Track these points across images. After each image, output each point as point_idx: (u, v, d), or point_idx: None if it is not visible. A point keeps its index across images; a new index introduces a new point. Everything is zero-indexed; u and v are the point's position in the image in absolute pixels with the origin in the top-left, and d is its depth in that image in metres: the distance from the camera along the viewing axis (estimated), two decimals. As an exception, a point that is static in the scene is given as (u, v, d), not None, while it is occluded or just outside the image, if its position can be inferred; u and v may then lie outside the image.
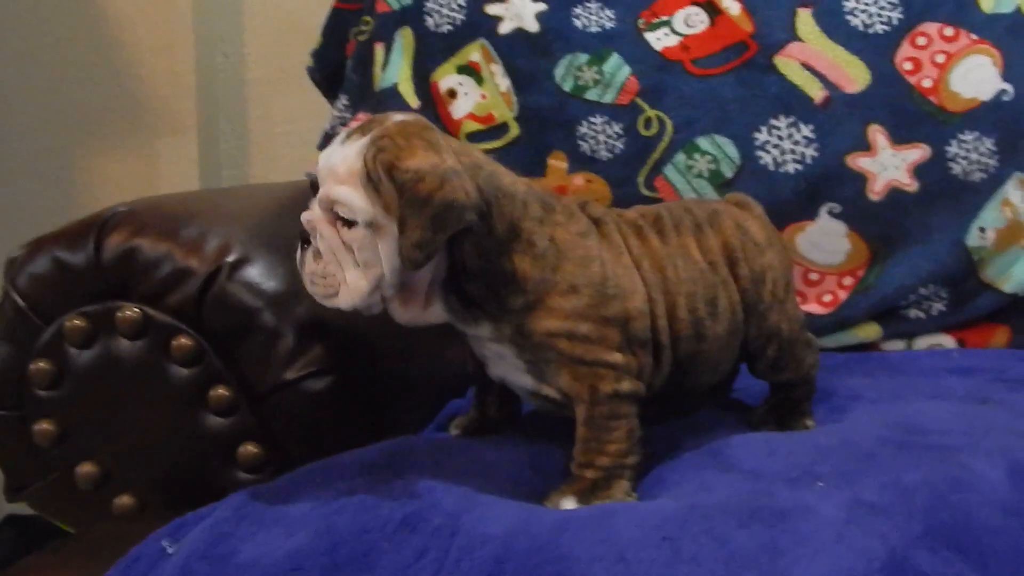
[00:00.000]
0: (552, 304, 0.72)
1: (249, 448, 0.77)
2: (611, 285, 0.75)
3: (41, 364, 0.78)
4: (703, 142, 1.24)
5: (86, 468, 0.80)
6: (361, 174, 0.68)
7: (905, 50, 1.23)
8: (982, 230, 1.19)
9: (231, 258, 0.77)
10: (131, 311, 0.77)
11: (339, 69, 1.49)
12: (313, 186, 0.72)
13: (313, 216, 0.70)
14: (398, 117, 0.72)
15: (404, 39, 1.39)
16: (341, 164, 0.69)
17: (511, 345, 0.73)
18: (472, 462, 0.77)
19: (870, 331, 1.21)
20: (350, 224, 0.69)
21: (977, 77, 1.20)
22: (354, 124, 0.73)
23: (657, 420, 0.88)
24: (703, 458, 0.77)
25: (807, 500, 0.63)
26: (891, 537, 0.56)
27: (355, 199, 0.68)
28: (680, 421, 0.89)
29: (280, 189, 1.08)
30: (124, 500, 0.80)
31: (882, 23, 1.25)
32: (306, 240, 0.70)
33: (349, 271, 0.69)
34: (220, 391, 0.77)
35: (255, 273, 0.77)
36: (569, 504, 0.71)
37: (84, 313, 0.78)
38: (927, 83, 1.21)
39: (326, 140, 1.46)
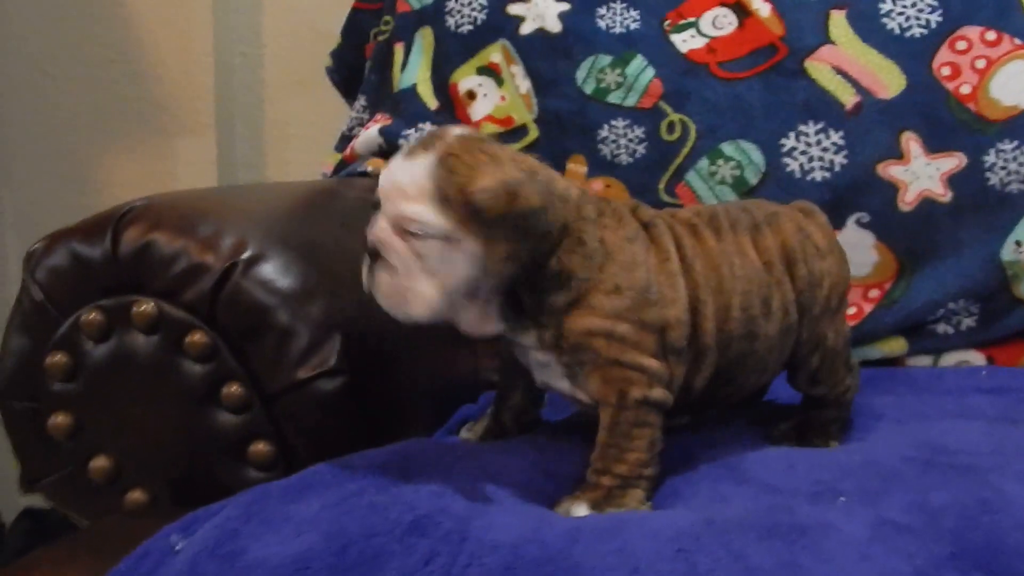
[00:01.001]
0: (594, 302, 0.72)
1: (260, 446, 0.77)
2: (653, 291, 0.75)
3: (58, 357, 0.78)
4: (728, 148, 1.22)
5: (99, 462, 0.80)
6: (432, 193, 0.69)
7: (944, 55, 1.20)
8: (1018, 244, 1.15)
9: (246, 255, 0.76)
10: (146, 306, 0.76)
11: (358, 70, 1.49)
12: (375, 203, 0.73)
13: (382, 232, 0.71)
14: (457, 131, 0.73)
15: (424, 39, 1.38)
16: (409, 183, 0.70)
17: (552, 351, 0.74)
18: (483, 466, 0.76)
19: (895, 346, 1.18)
20: (418, 236, 0.70)
21: (1019, 84, 1.17)
22: (412, 139, 0.74)
23: (702, 411, 0.88)
24: (719, 470, 0.76)
25: (829, 517, 0.61)
26: (918, 557, 0.54)
27: (428, 216, 0.69)
28: (696, 433, 0.87)
29: (296, 188, 1.08)
30: (136, 495, 0.80)
31: (920, 26, 1.21)
32: (374, 255, 0.71)
33: (420, 281, 0.70)
34: (233, 388, 0.76)
35: (270, 270, 0.77)
36: (581, 511, 0.70)
37: (100, 307, 0.78)
38: (966, 89, 1.18)
39: (343, 142, 1.46)
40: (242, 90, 1.81)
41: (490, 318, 0.74)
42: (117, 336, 0.78)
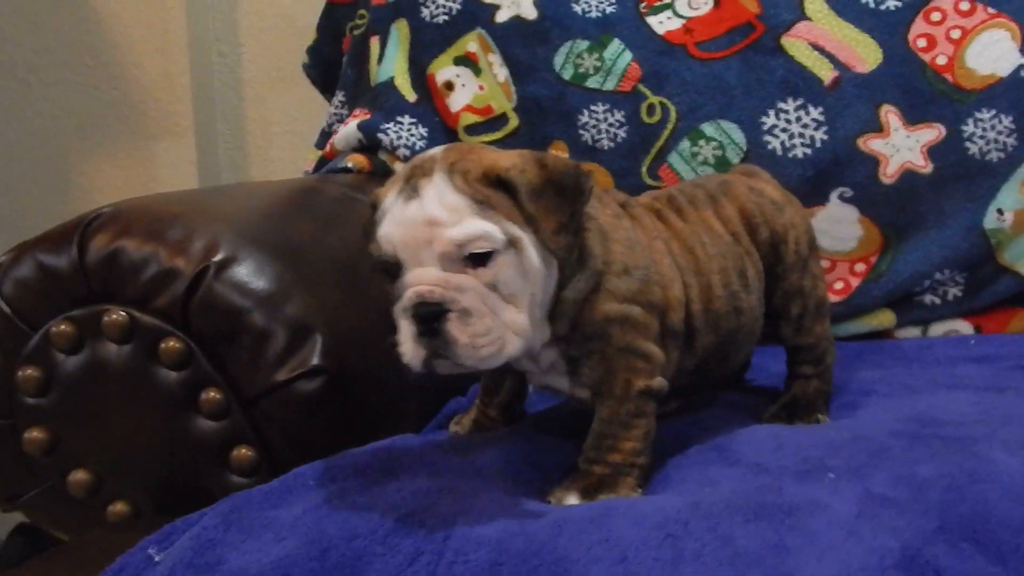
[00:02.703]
0: (609, 286, 0.70)
1: (242, 451, 0.75)
2: (653, 271, 0.73)
3: (29, 371, 0.77)
4: (708, 128, 1.21)
5: (78, 476, 0.78)
6: (470, 206, 0.64)
7: (919, 26, 1.19)
8: (1000, 212, 1.15)
9: (218, 257, 0.75)
10: (117, 315, 0.75)
11: (335, 65, 1.47)
12: (388, 268, 0.65)
13: (439, 280, 0.63)
14: (434, 150, 0.68)
15: (400, 31, 1.37)
16: (441, 211, 0.63)
17: (562, 343, 0.71)
18: (470, 461, 0.75)
19: (884, 319, 1.18)
20: (485, 260, 0.63)
21: (994, 53, 1.16)
22: (394, 188, 0.67)
23: (694, 392, 0.87)
24: (708, 453, 0.75)
25: (816, 495, 0.61)
26: (905, 532, 0.54)
27: (485, 226, 0.63)
28: (686, 417, 0.86)
29: (273, 187, 1.06)
30: (118, 507, 0.79)
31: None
32: (430, 318, 0.63)
33: (504, 313, 0.64)
34: (211, 394, 0.75)
35: (243, 272, 0.75)
36: (572, 500, 0.69)
37: (70, 318, 0.76)
38: (942, 60, 1.18)
39: (324, 138, 1.44)
40: (222, 90, 1.79)
41: (546, 324, 0.70)
42: (89, 347, 0.76)
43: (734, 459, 0.73)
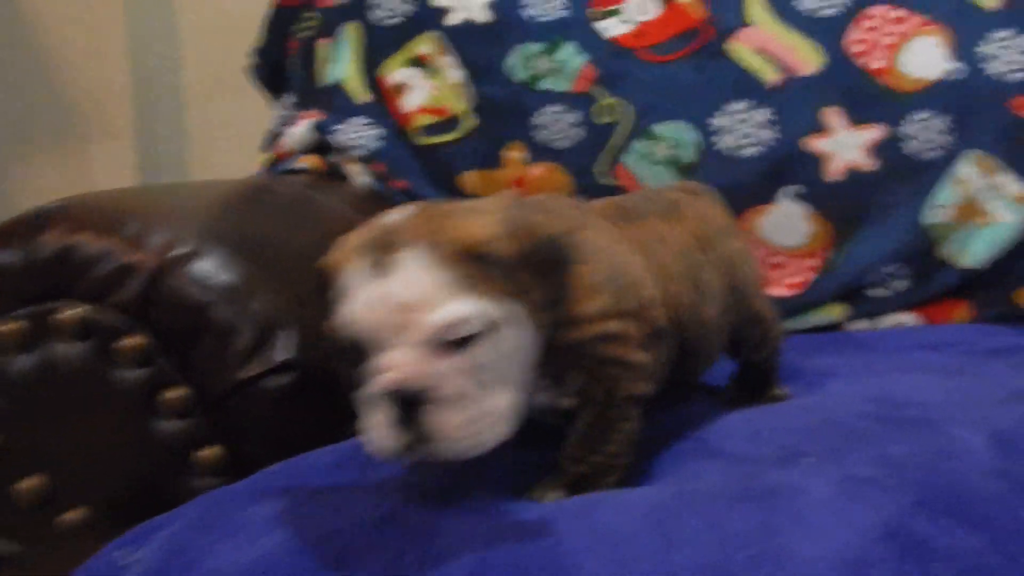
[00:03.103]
0: (577, 314, 0.65)
1: (207, 452, 0.73)
2: (622, 274, 0.69)
3: (-27, 374, 0.73)
4: (661, 128, 1.23)
5: (28, 483, 0.74)
6: (447, 281, 0.57)
7: (853, 33, 1.23)
8: (939, 207, 1.19)
9: (179, 252, 0.72)
10: (71, 311, 0.71)
11: (281, 67, 1.45)
12: (351, 352, 0.59)
13: (417, 367, 0.56)
14: (400, 213, 0.62)
15: (350, 33, 1.35)
16: (422, 291, 0.57)
17: (539, 366, 0.66)
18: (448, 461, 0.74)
19: (837, 311, 1.21)
20: (466, 344, 0.57)
21: (926, 58, 1.21)
22: (356, 259, 0.59)
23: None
24: (686, 445, 0.75)
25: (796, 479, 0.61)
26: (886, 509, 0.54)
27: (467, 308, 0.57)
28: (658, 408, 0.86)
29: (225, 184, 1.03)
30: (71, 515, 0.75)
31: (831, 6, 1.25)
32: (410, 402, 0.57)
33: (487, 399, 0.58)
34: (173, 393, 0.72)
35: (207, 266, 0.73)
36: (555, 496, 0.68)
37: (19, 316, 0.72)
38: (877, 64, 1.22)
39: (272, 139, 1.41)
40: (162, 93, 1.75)
41: (536, 390, 0.66)
42: (41, 346, 0.73)
43: (712, 451, 0.73)
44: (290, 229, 0.88)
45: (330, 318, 0.60)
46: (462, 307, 0.57)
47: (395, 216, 0.61)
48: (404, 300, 0.56)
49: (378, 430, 0.57)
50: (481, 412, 0.57)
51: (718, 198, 0.91)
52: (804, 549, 0.50)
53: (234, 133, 1.75)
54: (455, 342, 0.57)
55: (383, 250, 0.58)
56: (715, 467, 0.68)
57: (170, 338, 0.72)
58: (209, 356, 0.72)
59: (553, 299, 0.61)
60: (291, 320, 0.75)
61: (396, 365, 0.56)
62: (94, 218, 0.74)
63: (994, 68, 1.20)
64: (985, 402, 0.79)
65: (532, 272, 0.60)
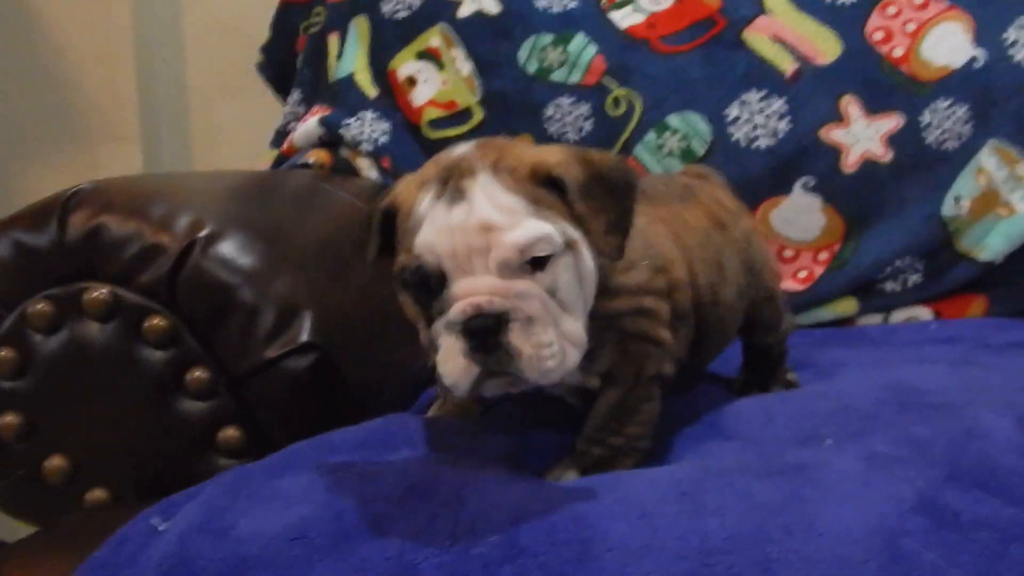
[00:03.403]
0: (615, 285, 0.67)
1: (230, 432, 0.73)
2: (656, 255, 0.71)
3: (3, 353, 0.73)
4: (673, 120, 1.23)
5: (55, 462, 0.75)
6: (523, 204, 0.58)
7: (875, 20, 1.23)
8: (957, 200, 1.19)
9: (204, 233, 0.73)
10: (99, 292, 0.72)
11: (289, 65, 1.46)
12: (423, 283, 0.59)
13: (498, 288, 0.57)
14: (464, 146, 0.63)
15: (359, 28, 1.36)
16: (494, 214, 0.57)
17: None
18: (465, 441, 0.74)
19: (847, 306, 1.21)
20: (543, 264, 0.58)
21: (948, 45, 1.21)
22: (426, 191, 0.60)
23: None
24: (701, 429, 0.75)
25: (820, 456, 0.61)
26: (918, 480, 0.55)
27: (545, 227, 0.58)
28: (670, 398, 0.86)
29: (240, 174, 1.04)
30: (96, 494, 0.75)
31: (853, -8, 1.25)
32: (489, 331, 0.56)
33: (563, 322, 0.59)
34: (197, 373, 0.72)
35: (231, 248, 0.73)
36: (571, 477, 0.68)
37: (48, 296, 0.73)
38: (898, 52, 1.22)
39: (279, 138, 1.42)
40: (167, 97, 1.76)
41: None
42: (68, 327, 0.73)
43: (729, 434, 0.73)
44: (302, 216, 0.89)
45: (397, 254, 0.60)
46: (539, 226, 0.58)
47: (459, 149, 0.62)
48: (483, 221, 0.57)
49: (455, 361, 0.57)
50: (559, 334, 0.58)
51: (723, 180, 0.92)
52: (836, 518, 0.51)
53: (239, 135, 1.76)
54: (532, 263, 0.58)
55: (453, 178, 0.59)
56: (733, 448, 0.69)
57: (195, 319, 0.73)
58: (233, 337, 0.72)
59: (618, 223, 0.61)
60: (311, 302, 0.75)
61: (475, 290, 0.56)
62: (122, 200, 0.74)
63: (1021, 56, 1.19)
64: (1006, 389, 0.79)
65: (600, 195, 0.60)
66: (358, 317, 0.83)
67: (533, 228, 0.58)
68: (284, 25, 1.46)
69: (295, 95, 1.43)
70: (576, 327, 0.60)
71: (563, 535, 0.51)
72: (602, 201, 0.61)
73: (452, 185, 0.59)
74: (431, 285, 0.59)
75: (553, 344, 0.57)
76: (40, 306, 0.72)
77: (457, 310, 0.57)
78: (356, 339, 0.81)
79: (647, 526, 0.51)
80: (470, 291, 0.57)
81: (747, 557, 0.48)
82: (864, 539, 0.48)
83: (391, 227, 0.62)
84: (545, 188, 0.60)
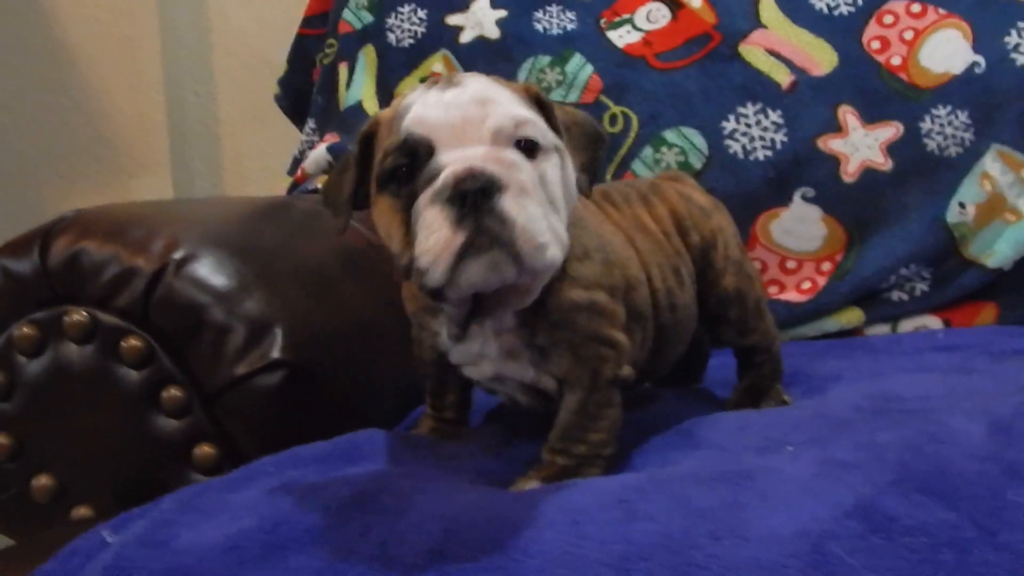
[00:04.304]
0: (572, 271, 0.67)
1: (204, 449, 0.75)
2: (610, 251, 0.71)
3: (-8, 376, 0.76)
4: (670, 135, 1.23)
5: (42, 480, 0.78)
6: (516, 99, 0.60)
7: (872, 29, 1.22)
8: (962, 206, 1.17)
9: (177, 255, 0.75)
10: (78, 315, 0.75)
11: (306, 95, 1.50)
12: (409, 160, 0.57)
13: (491, 155, 0.56)
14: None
15: (367, 57, 1.39)
16: (491, 92, 0.58)
17: (523, 331, 0.68)
18: (434, 453, 0.75)
19: (852, 317, 1.19)
20: (534, 154, 0.58)
21: (947, 51, 1.19)
22: (432, 85, 0.62)
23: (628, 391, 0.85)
24: (672, 438, 0.75)
25: (775, 463, 0.61)
26: (861, 486, 0.54)
27: (541, 122, 0.60)
28: (652, 407, 0.86)
29: (240, 199, 1.07)
30: (81, 511, 0.78)
31: (847, 4, 1.24)
32: (482, 191, 0.54)
33: (549, 214, 0.58)
34: (172, 392, 0.75)
35: (202, 269, 0.75)
36: (531, 488, 0.68)
37: (33, 320, 0.76)
38: (896, 61, 1.20)
39: (295, 165, 1.46)
40: (197, 128, 1.81)
41: (524, 362, 0.69)
42: (51, 349, 0.76)
43: (697, 442, 0.73)
44: (295, 238, 0.91)
45: (381, 153, 0.60)
46: (530, 112, 0.59)
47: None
48: (479, 95, 0.58)
49: (438, 234, 0.55)
50: (548, 222, 0.57)
51: (698, 184, 0.92)
52: (767, 524, 0.50)
53: (267, 166, 1.81)
54: (525, 149, 0.58)
55: (446, 80, 0.61)
56: (696, 456, 0.68)
57: (169, 339, 0.75)
58: (205, 355, 0.74)
59: (589, 166, 0.63)
60: (285, 319, 0.77)
61: (469, 157, 0.56)
62: (101, 226, 0.77)
63: (1023, 59, 1.17)
64: (989, 395, 0.77)
65: (576, 135, 0.63)
66: (338, 334, 0.85)
67: (526, 111, 0.59)
68: (300, 56, 1.51)
69: (310, 124, 1.47)
70: (560, 226, 0.58)
71: (490, 544, 0.51)
72: (577, 141, 0.64)
73: (446, 80, 0.61)
74: (417, 163, 0.57)
75: (542, 224, 0.56)
76: (25, 330, 0.76)
77: (448, 174, 0.55)
78: (335, 356, 0.83)
79: (575, 534, 0.51)
80: (462, 158, 0.56)
81: (667, 563, 0.47)
82: (790, 544, 0.48)
83: (369, 160, 0.63)
84: (537, 103, 0.63)
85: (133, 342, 0.74)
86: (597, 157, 0.66)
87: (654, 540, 0.49)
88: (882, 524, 0.49)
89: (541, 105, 0.63)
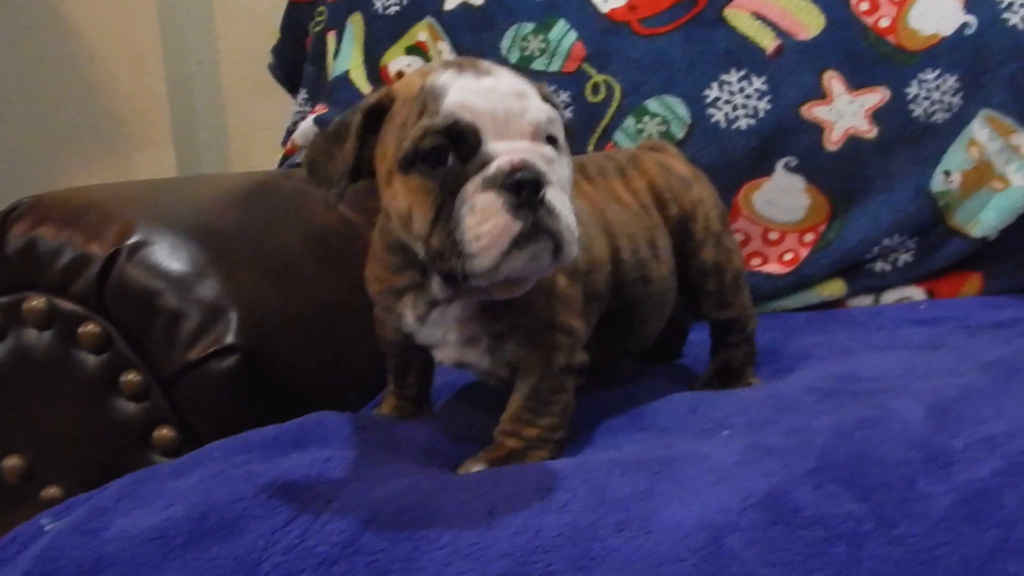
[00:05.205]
0: None
1: (164, 432, 0.77)
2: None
3: (-42, 361, 0.78)
4: (652, 104, 1.21)
5: (12, 461, 0.80)
6: (536, 93, 0.62)
7: (861, -11, 1.19)
8: (947, 174, 1.14)
9: (130, 241, 0.76)
10: (37, 301, 0.76)
11: (299, 64, 1.49)
12: (452, 144, 0.58)
13: (535, 150, 0.58)
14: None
15: (355, 25, 1.38)
16: (523, 83, 0.60)
17: (483, 318, 0.69)
18: (388, 436, 0.75)
19: (835, 288, 1.17)
20: (555, 148, 0.61)
21: (938, 12, 1.16)
22: (442, 70, 0.62)
23: (605, 370, 0.87)
24: (622, 421, 0.75)
25: (705, 448, 0.61)
26: (776, 475, 0.54)
27: (559, 118, 0.62)
28: (616, 390, 0.86)
29: (212, 179, 1.08)
30: (51, 491, 0.80)
31: (835, -36, 1.21)
32: (536, 184, 0.57)
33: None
34: (131, 376, 0.76)
35: (156, 254, 0.76)
36: (476, 469, 0.69)
37: (-5, 306, 0.78)
38: (885, 22, 1.17)
39: (288, 136, 1.46)
40: (202, 98, 1.81)
41: (480, 349, 0.69)
42: (13, 335, 0.78)
43: (644, 425, 0.73)
44: (261, 221, 0.92)
45: (418, 131, 0.60)
46: (554, 110, 0.61)
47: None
48: (516, 88, 0.59)
49: (495, 219, 0.56)
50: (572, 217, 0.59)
51: (681, 154, 0.91)
52: (675, 515, 0.50)
53: (273, 135, 1.79)
54: (551, 143, 0.60)
55: (469, 64, 0.61)
56: (638, 439, 0.68)
57: (126, 324, 0.76)
58: (160, 340, 0.76)
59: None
60: (241, 304, 0.78)
61: (517, 149, 0.57)
62: (58, 212, 0.78)
63: (1016, 19, 1.13)
64: (946, 374, 0.76)
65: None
66: (299, 318, 0.85)
67: (551, 108, 0.61)
68: (292, 25, 1.50)
69: (302, 94, 1.46)
70: (575, 220, 0.60)
71: (404, 533, 0.52)
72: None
73: (470, 65, 0.61)
74: (462, 148, 0.58)
75: (573, 218, 0.58)
76: (-13, 316, 0.77)
77: (503, 162, 0.57)
78: (294, 340, 0.84)
79: (487, 524, 0.52)
80: (511, 149, 0.58)
81: (567, 555, 0.48)
82: (691, 536, 0.48)
83: (374, 130, 0.63)
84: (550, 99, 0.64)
85: (91, 328, 0.76)
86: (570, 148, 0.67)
87: (561, 531, 0.50)
88: (785, 516, 0.49)
89: (551, 105, 0.65)
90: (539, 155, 0.58)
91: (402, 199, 0.62)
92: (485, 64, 0.62)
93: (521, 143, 0.58)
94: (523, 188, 0.56)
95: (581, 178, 0.81)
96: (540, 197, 0.56)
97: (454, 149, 0.59)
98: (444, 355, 0.74)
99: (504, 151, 0.57)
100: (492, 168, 0.57)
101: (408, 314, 0.72)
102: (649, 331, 0.82)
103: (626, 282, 0.77)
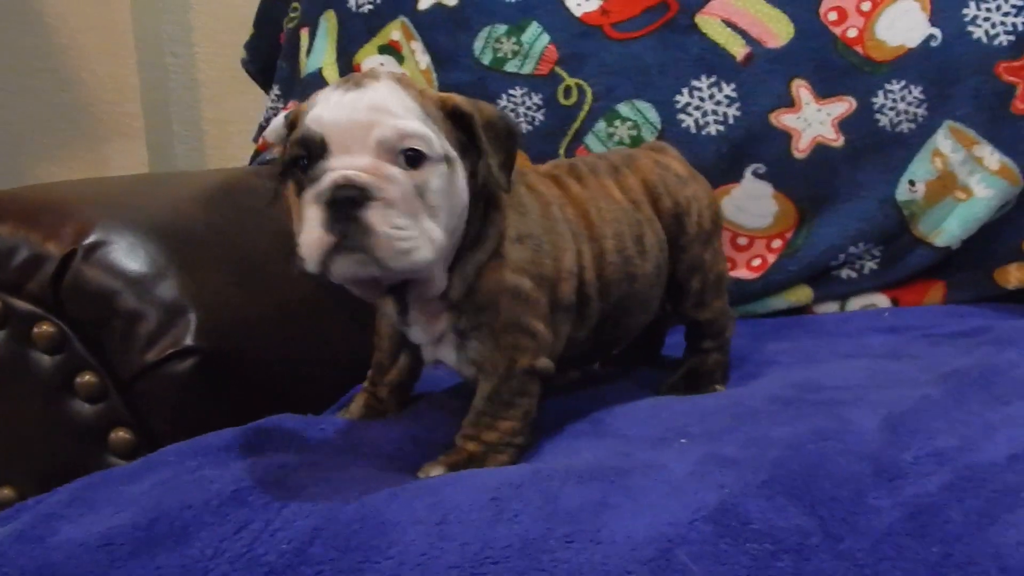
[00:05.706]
0: (505, 253, 0.70)
1: (120, 434, 0.76)
2: (546, 241, 0.73)
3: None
4: (624, 108, 1.21)
5: (-36, 463, 0.79)
6: (415, 108, 0.64)
7: (830, 0, 1.19)
8: (912, 183, 1.15)
9: (88, 241, 0.75)
10: (-10, 300, 0.75)
11: (274, 60, 1.48)
12: (305, 154, 0.62)
13: (369, 166, 0.60)
14: (385, 70, 0.69)
15: (328, 22, 1.37)
16: (390, 102, 0.62)
17: (452, 313, 0.70)
18: (350, 440, 0.75)
19: (801, 294, 1.18)
20: (418, 164, 0.62)
21: (905, 24, 1.17)
22: (328, 88, 0.66)
23: (591, 361, 0.89)
24: (583, 426, 0.75)
25: (661, 458, 0.61)
26: (730, 487, 0.54)
27: (428, 131, 0.63)
28: (584, 392, 0.86)
29: (179, 177, 1.06)
30: (4, 493, 0.79)
31: (805, -26, 1.21)
32: (351, 204, 0.60)
33: (423, 220, 0.62)
34: (87, 378, 0.75)
35: (113, 254, 0.75)
36: (435, 473, 0.69)
37: (-51, 306, 0.76)
38: (852, 33, 1.18)
39: (260, 132, 1.45)
40: (177, 90, 1.79)
41: (445, 273, 0.69)
42: (-32, 334, 0.77)
43: (605, 431, 0.73)
44: (224, 219, 0.91)
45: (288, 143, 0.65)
46: (422, 126, 0.63)
47: (378, 70, 0.67)
48: (374, 102, 0.62)
49: (312, 232, 0.61)
50: (418, 228, 0.62)
51: (680, 156, 0.92)
52: (625, 526, 0.50)
53: (249, 128, 1.78)
54: (408, 159, 0.62)
55: (355, 79, 0.64)
56: (598, 446, 0.68)
57: (82, 325, 0.75)
58: (117, 341, 0.75)
59: (506, 163, 0.67)
60: (200, 304, 0.77)
61: (351, 165, 0.61)
62: (15, 209, 0.77)
63: (980, 32, 1.14)
64: (905, 384, 0.77)
65: (492, 136, 0.66)
66: (263, 318, 0.85)
67: (417, 125, 0.62)
68: (267, 19, 1.49)
69: (275, 90, 1.45)
70: (436, 230, 0.63)
71: (354, 543, 0.51)
72: (498, 141, 0.67)
73: (352, 81, 0.64)
74: (312, 159, 0.62)
75: (410, 230, 0.61)
76: (-61, 315, 0.76)
77: (327, 179, 0.60)
78: (257, 341, 0.83)
79: (438, 534, 0.51)
80: (344, 165, 0.60)
81: (516, 567, 0.48)
82: (640, 548, 0.48)
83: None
84: (442, 115, 0.66)
85: (45, 328, 0.75)
86: (513, 152, 0.68)
87: (512, 542, 0.49)
88: (733, 529, 0.49)
89: (459, 115, 0.66)
90: (374, 172, 0.61)
91: (285, 203, 0.68)
92: (370, 79, 0.64)
93: (362, 159, 0.61)
94: (339, 205, 0.59)
95: (571, 179, 0.82)
96: (356, 215, 0.60)
97: (307, 159, 0.63)
98: (425, 353, 0.76)
99: (339, 166, 0.61)
100: (323, 182, 0.60)
101: (391, 311, 0.74)
102: (633, 327, 0.84)
103: (611, 282, 0.78)
